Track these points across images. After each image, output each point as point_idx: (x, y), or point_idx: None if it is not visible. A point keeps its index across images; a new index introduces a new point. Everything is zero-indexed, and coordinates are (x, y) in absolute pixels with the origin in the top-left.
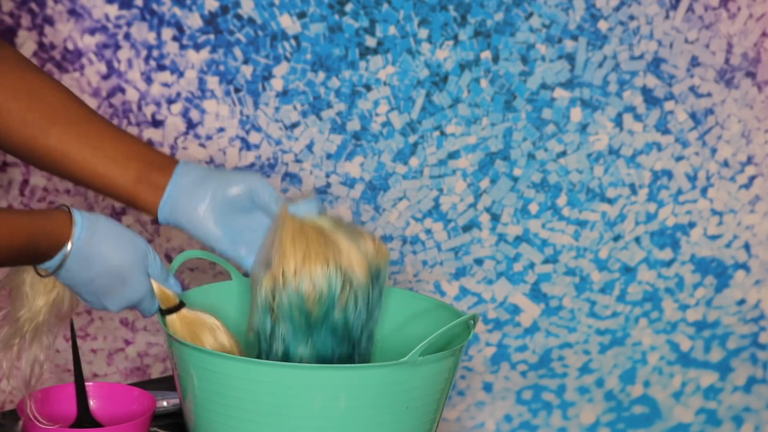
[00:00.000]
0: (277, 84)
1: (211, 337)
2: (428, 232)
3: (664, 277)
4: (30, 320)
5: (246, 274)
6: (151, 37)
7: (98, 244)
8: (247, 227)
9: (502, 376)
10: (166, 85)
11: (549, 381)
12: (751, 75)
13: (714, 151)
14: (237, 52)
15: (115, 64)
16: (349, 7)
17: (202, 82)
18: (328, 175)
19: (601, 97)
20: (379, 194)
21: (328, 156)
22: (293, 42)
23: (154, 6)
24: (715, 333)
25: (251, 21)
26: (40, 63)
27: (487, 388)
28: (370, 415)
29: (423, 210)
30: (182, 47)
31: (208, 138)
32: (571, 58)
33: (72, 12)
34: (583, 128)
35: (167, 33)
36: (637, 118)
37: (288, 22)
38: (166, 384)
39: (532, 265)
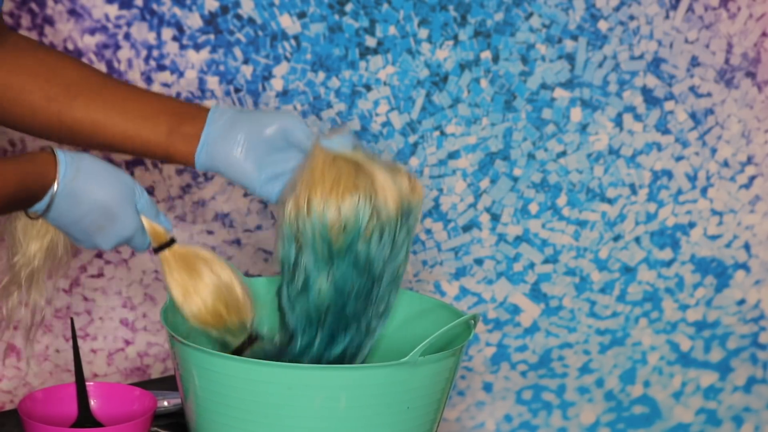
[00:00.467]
0: (277, 84)
1: (207, 268)
2: (428, 232)
3: (664, 277)
4: (25, 266)
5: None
6: (151, 37)
7: (84, 181)
8: (285, 165)
9: (502, 376)
10: (166, 85)
11: (549, 381)
12: (751, 75)
13: (714, 151)
14: (237, 52)
15: (115, 64)
16: (349, 7)
17: (202, 82)
18: None
19: (601, 97)
20: None
21: None
22: (293, 42)
23: (154, 6)
24: (715, 333)
25: (251, 21)
26: None
27: (487, 388)
28: (370, 415)
29: (423, 210)
30: (182, 47)
31: None
32: (571, 58)
33: (72, 12)
34: (583, 128)
35: (167, 33)
36: (637, 118)
37: (288, 22)
38: (167, 384)
39: (532, 265)
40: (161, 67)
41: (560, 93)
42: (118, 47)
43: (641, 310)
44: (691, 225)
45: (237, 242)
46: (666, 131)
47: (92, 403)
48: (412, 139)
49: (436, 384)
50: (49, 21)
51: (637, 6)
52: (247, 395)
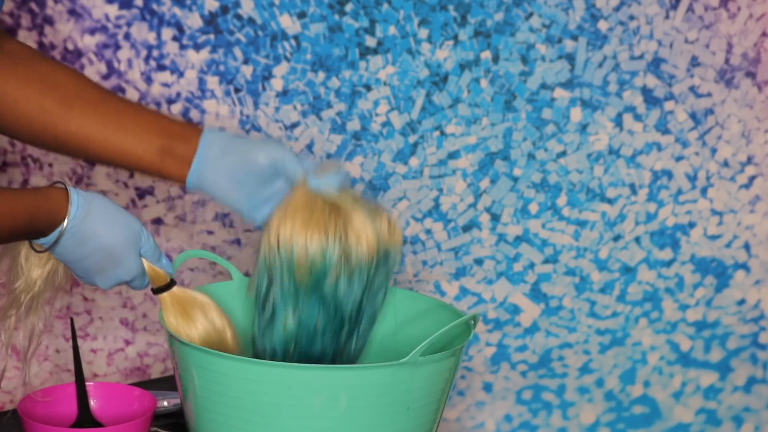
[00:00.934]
0: (277, 84)
1: (202, 314)
2: (428, 232)
3: (664, 277)
4: (26, 291)
5: (247, 274)
6: (151, 37)
7: (93, 223)
8: (273, 193)
9: (502, 376)
10: (166, 85)
11: (549, 381)
12: (751, 75)
13: (714, 151)
14: (237, 52)
15: (115, 64)
16: (349, 7)
17: (202, 82)
18: None
19: (601, 97)
20: (379, 194)
21: (328, 156)
22: (293, 42)
23: (154, 6)
24: (715, 333)
25: (251, 21)
26: None
27: (487, 388)
28: (370, 416)
29: (423, 210)
30: (182, 47)
31: None
32: (571, 58)
33: (72, 12)
34: (583, 128)
35: (167, 33)
36: (637, 118)
37: (288, 22)
38: (167, 384)
39: (532, 265)
40: (161, 67)
41: (560, 93)
42: (118, 47)
43: (641, 310)
44: (691, 225)
45: (237, 242)
46: (666, 131)
47: (92, 403)
48: (412, 139)
49: (436, 384)
50: (49, 21)
51: (637, 6)
52: (247, 395)
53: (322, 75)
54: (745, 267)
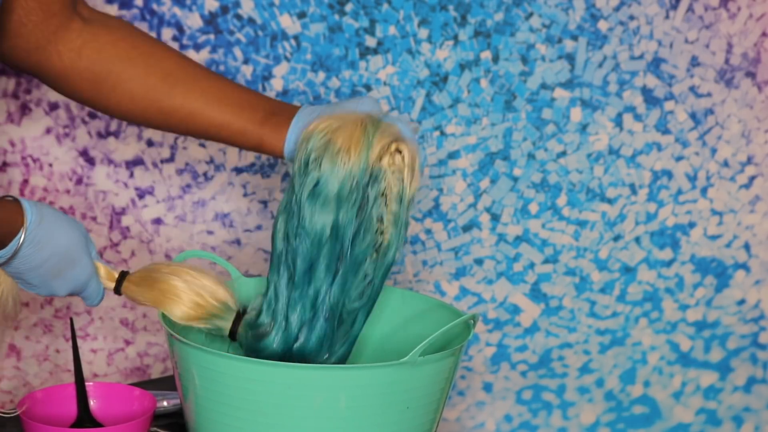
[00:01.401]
0: (277, 84)
1: (166, 274)
2: (428, 232)
3: (664, 277)
4: None
5: (247, 274)
6: None
7: (47, 226)
8: None
9: (502, 376)
10: None
11: (549, 381)
12: (751, 75)
13: (714, 151)
14: (237, 52)
15: None
16: (349, 7)
17: None
18: None
19: (601, 97)
20: None
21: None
22: (293, 42)
23: (154, 6)
24: (715, 333)
25: (251, 21)
26: None
27: (487, 388)
28: (370, 415)
29: (423, 210)
30: (182, 47)
31: None
32: (571, 58)
33: None
34: (583, 128)
35: (167, 33)
36: (637, 118)
37: (288, 22)
38: (167, 384)
39: (532, 265)
40: None
41: (560, 93)
42: None
43: (641, 310)
44: (691, 225)
45: (237, 242)
46: (666, 131)
47: (92, 403)
48: None
49: (436, 384)
50: None
51: (637, 6)
52: (247, 395)
53: (322, 75)
54: (745, 267)
